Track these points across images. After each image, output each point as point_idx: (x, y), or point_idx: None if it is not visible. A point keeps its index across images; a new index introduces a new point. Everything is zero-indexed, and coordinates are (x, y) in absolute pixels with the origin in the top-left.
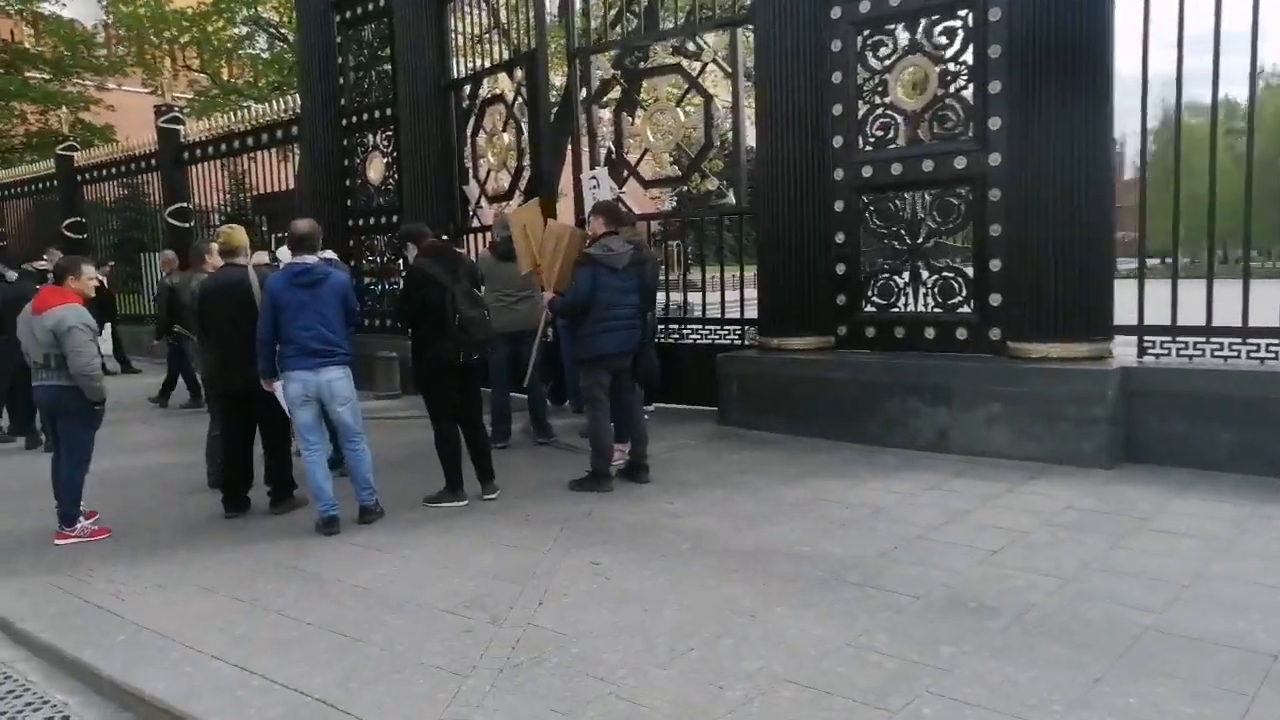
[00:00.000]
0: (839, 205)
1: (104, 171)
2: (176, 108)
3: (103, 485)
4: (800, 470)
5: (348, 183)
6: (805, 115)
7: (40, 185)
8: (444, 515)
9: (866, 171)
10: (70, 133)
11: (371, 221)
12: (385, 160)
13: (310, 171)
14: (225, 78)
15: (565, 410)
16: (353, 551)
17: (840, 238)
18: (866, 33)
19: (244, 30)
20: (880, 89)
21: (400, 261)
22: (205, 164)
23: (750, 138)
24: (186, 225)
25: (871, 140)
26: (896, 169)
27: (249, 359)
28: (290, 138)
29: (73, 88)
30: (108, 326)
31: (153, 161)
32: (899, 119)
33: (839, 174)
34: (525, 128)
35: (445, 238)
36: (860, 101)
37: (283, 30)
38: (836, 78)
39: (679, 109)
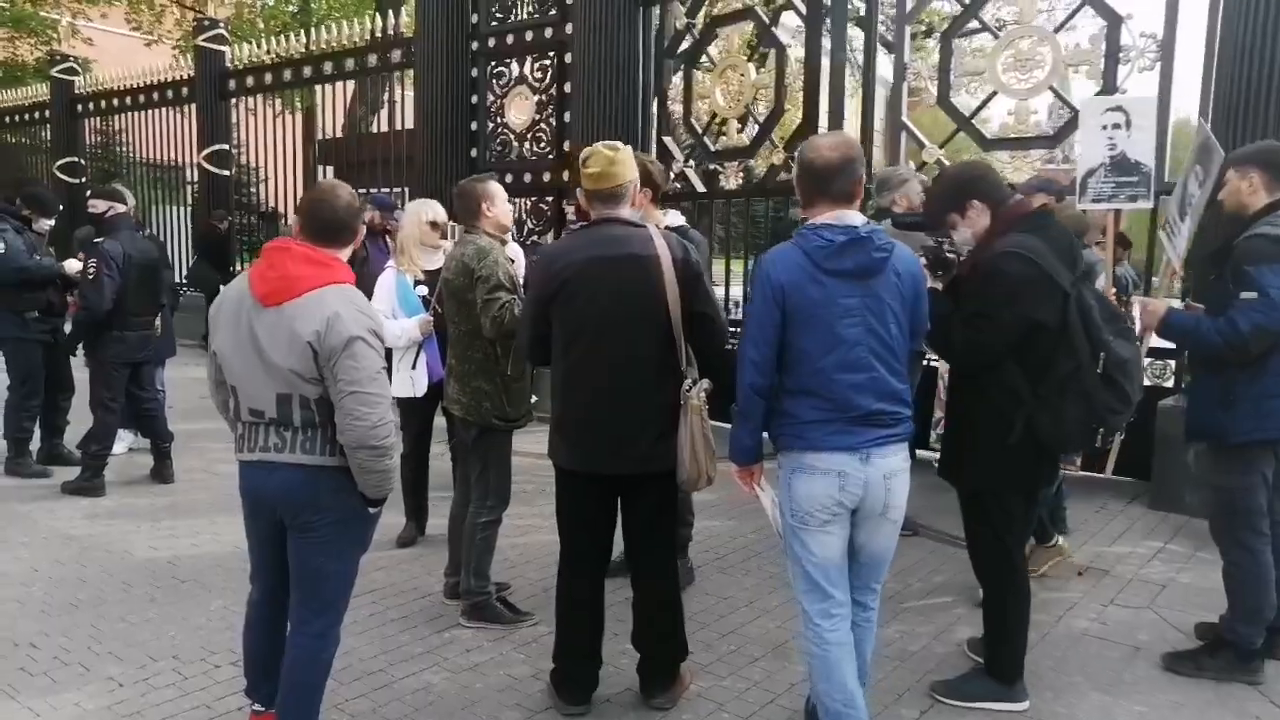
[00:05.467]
0: None
1: (119, 101)
2: (221, 23)
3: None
4: None
5: (474, 126)
6: None
7: (23, 117)
8: None
9: None
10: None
11: (510, 180)
12: (537, 98)
13: (425, 110)
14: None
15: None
16: None
17: None
18: None
19: None
20: None
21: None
22: (255, 96)
23: None
24: (225, 173)
25: None
26: None
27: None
28: (388, 65)
29: (47, 11)
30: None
31: (183, 91)
32: None
33: None
34: (791, 56)
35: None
36: None
37: None
38: None
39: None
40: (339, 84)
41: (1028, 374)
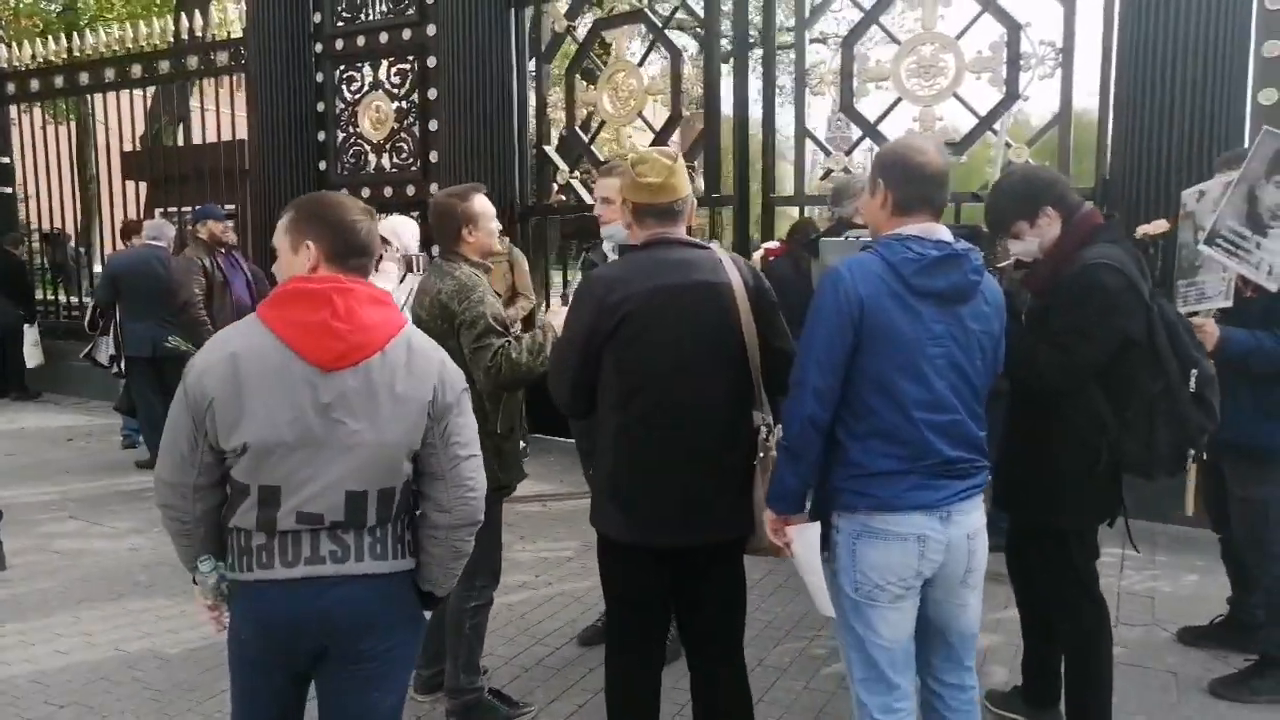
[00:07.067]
0: None
1: None
2: None
3: None
4: None
5: (321, 136)
6: None
7: None
8: None
9: None
10: None
11: (368, 195)
12: (396, 105)
13: (261, 119)
14: None
15: None
16: None
17: None
18: None
19: None
20: None
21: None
22: (37, 104)
23: None
24: (8, 190)
25: None
26: None
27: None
28: (211, 69)
29: None
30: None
31: None
32: None
33: None
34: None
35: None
36: None
37: None
38: None
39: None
40: (142, 90)
41: (1110, 396)
